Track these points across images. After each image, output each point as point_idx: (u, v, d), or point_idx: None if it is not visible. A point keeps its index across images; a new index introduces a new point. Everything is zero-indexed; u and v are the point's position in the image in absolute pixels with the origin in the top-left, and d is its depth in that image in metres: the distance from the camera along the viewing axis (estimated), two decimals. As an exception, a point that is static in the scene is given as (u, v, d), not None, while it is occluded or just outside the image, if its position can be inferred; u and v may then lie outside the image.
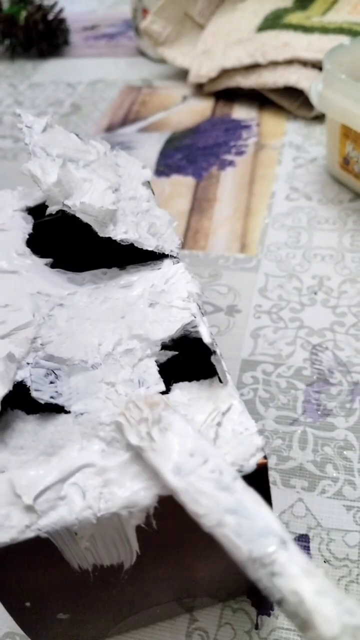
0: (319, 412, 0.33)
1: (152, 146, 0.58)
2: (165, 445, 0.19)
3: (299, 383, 0.35)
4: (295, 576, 0.16)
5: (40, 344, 0.25)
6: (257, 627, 0.26)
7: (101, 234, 0.27)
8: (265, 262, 0.43)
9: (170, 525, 0.20)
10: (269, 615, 0.26)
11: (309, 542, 0.28)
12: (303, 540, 0.28)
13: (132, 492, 0.19)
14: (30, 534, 0.19)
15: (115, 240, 0.27)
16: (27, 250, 0.30)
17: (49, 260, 0.29)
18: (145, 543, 0.20)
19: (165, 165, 0.55)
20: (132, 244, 0.28)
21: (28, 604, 0.22)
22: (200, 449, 0.19)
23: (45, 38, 0.79)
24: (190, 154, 0.56)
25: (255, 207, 0.48)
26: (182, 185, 0.52)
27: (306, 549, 0.28)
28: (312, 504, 0.30)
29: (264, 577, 0.17)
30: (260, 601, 0.27)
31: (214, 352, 0.21)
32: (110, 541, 0.20)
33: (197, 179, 0.52)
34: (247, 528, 0.17)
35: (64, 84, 0.72)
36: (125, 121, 0.63)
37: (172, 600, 0.26)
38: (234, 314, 0.40)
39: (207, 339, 0.21)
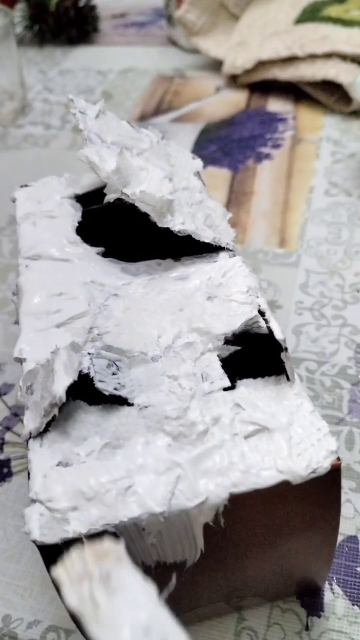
0: (364, 412, 0.33)
1: (186, 137, 0.57)
2: (113, 616, 0.14)
3: (344, 382, 0.34)
4: None
5: (97, 334, 0.24)
6: (307, 628, 0.26)
7: (160, 224, 0.26)
8: (306, 258, 0.42)
9: (237, 524, 0.20)
10: (319, 616, 0.26)
11: (357, 543, 0.28)
12: (352, 542, 0.28)
13: (203, 490, 0.19)
14: (98, 528, 0.19)
15: (170, 231, 0.27)
16: (78, 238, 0.29)
17: (101, 249, 0.29)
18: (210, 541, 0.20)
19: (200, 156, 0.54)
20: (188, 236, 0.27)
21: (85, 598, 0.21)
22: (158, 625, 0.14)
23: (75, 25, 0.78)
24: (226, 146, 0.55)
25: (293, 202, 0.48)
26: (218, 177, 0.51)
27: (355, 550, 0.28)
28: (360, 505, 0.29)
29: None
30: (310, 602, 0.26)
31: (285, 348, 0.21)
32: (176, 538, 0.20)
33: (233, 171, 0.52)
34: None
35: (94, 71, 0.71)
36: (157, 111, 0.62)
37: (222, 599, 0.25)
38: (274, 309, 0.39)
39: (279, 335, 0.21)
